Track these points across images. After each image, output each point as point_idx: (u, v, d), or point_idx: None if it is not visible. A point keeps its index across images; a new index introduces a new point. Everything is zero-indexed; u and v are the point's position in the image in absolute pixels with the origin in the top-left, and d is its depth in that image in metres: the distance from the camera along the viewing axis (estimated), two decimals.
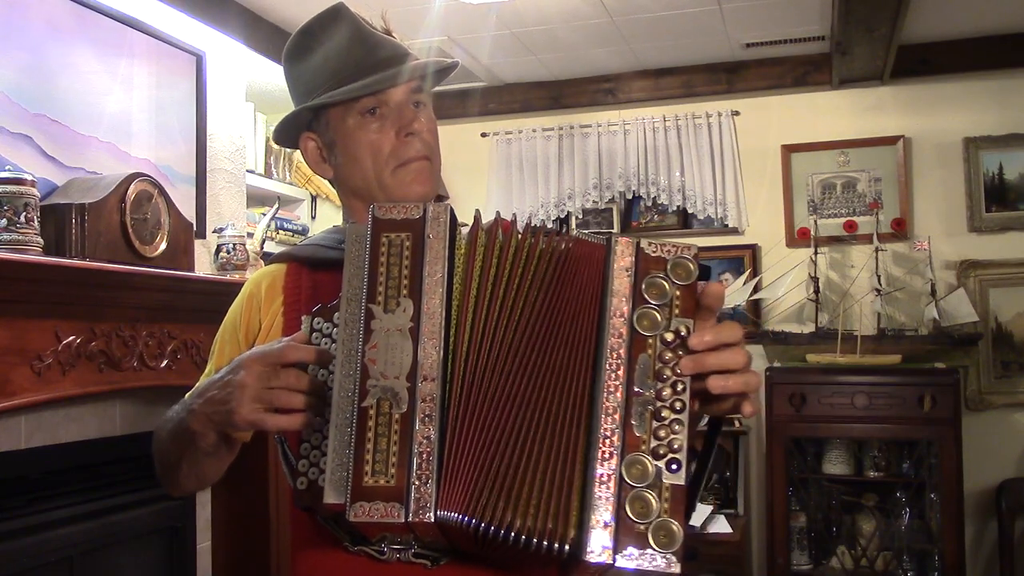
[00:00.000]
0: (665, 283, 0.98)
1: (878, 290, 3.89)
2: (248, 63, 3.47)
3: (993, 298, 3.95)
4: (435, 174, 1.28)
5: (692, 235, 4.33)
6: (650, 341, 0.97)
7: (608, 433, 0.95)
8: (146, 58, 2.86)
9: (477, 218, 1.06)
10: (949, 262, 4.00)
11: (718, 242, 4.29)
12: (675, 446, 0.94)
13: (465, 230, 1.05)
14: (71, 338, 2.25)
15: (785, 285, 3.94)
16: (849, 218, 4.10)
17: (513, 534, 0.94)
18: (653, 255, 0.99)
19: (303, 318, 1.09)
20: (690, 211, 4.32)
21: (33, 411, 2.24)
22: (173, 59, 2.98)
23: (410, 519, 0.93)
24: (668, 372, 0.96)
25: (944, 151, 4.05)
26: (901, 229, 4.04)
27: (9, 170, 2.22)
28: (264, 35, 3.46)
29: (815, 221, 4.04)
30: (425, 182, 1.26)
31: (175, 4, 2.93)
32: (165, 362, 2.56)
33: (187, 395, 1.24)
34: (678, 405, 0.95)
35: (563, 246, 1.03)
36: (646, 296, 0.98)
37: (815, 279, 3.99)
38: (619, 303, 0.98)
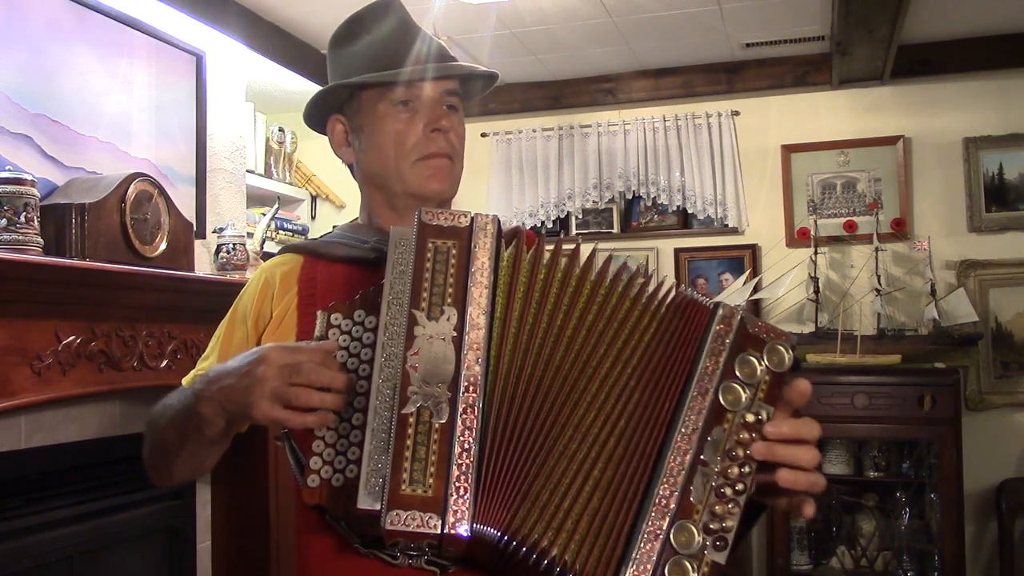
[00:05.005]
0: (758, 364, 0.97)
1: (878, 290, 3.88)
2: (248, 63, 3.46)
3: (993, 298, 3.95)
4: (455, 175, 1.29)
5: (692, 235, 4.34)
6: (729, 416, 0.96)
7: (667, 493, 0.94)
8: (146, 58, 2.85)
9: (519, 232, 1.06)
10: (949, 262, 3.99)
11: (718, 242, 4.29)
12: (726, 525, 0.93)
13: (510, 246, 1.05)
14: (71, 338, 2.25)
15: (785, 285, 3.93)
16: (849, 218, 4.10)
17: (546, 562, 0.94)
18: (752, 333, 0.99)
19: (319, 313, 1.09)
20: (690, 211, 4.32)
21: (33, 411, 2.24)
22: (173, 59, 2.98)
23: (446, 531, 0.93)
24: (740, 452, 0.95)
25: (944, 151, 4.05)
26: (901, 229, 4.04)
27: (9, 170, 2.22)
28: (264, 35, 3.45)
29: (815, 221, 4.04)
30: (443, 180, 1.26)
31: (175, 4, 2.93)
32: (165, 362, 2.56)
33: (187, 380, 1.24)
34: (740, 487, 0.94)
35: (667, 297, 1.03)
36: (736, 372, 0.97)
37: (815, 279, 3.99)
38: (710, 369, 0.97)
